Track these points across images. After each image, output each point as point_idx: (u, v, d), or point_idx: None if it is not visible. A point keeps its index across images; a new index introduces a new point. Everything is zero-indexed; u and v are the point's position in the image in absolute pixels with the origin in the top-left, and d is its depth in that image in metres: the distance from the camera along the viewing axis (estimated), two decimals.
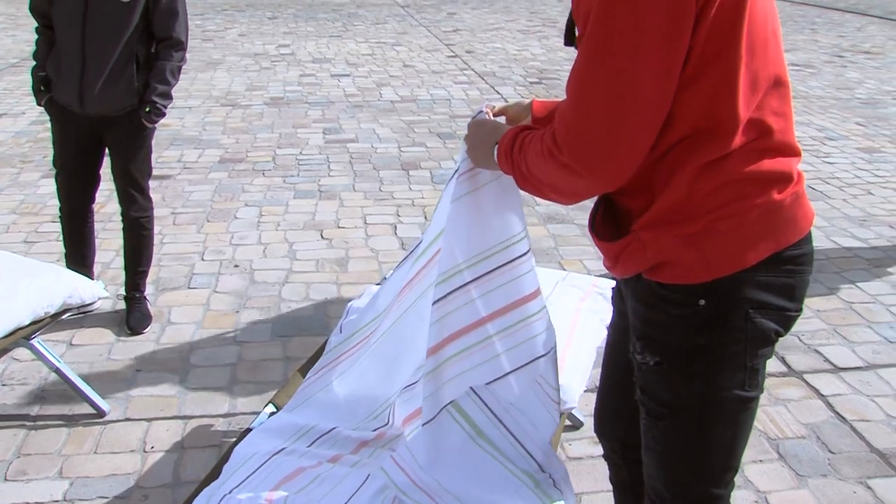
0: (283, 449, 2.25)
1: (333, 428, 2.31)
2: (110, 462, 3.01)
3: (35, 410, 3.30)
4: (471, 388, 2.05)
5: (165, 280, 4.39)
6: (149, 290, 4.11)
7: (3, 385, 3.45)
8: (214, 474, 2.22)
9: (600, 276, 3.49)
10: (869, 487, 2.96)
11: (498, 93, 8.92)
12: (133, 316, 3.92)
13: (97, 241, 4.11)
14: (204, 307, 4.13)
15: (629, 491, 2.14)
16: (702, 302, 1.62)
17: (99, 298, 3.31)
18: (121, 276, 4.08)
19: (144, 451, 3.07)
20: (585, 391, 2.68)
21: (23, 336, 2.98)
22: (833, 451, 3.14)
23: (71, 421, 3.24)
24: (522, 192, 1.82)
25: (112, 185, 3.90)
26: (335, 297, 4.25)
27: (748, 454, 2.93)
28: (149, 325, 3.92)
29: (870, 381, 3.62)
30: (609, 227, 1.72)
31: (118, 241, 4.04)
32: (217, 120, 7.62)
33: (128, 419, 3.27)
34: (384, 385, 2.31)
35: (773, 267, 1.62)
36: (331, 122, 7.60)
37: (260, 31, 12.82)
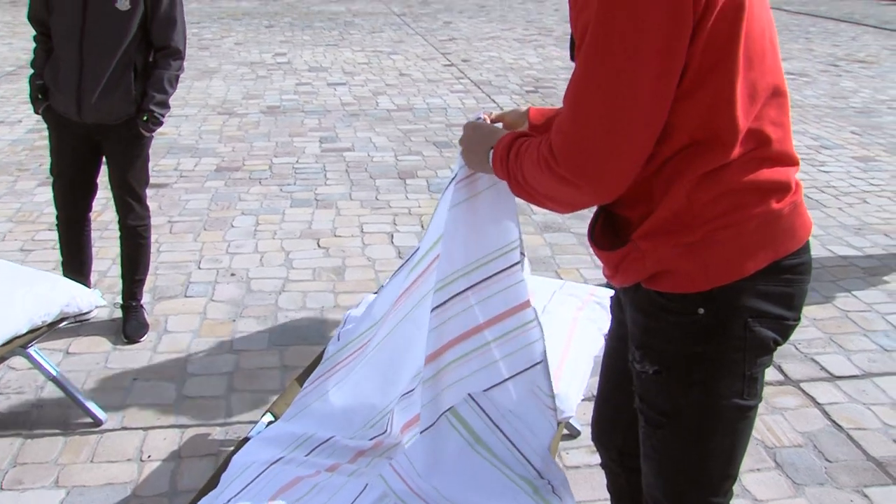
0: (281, 458, 2.25)
1: (331, 437, 2.31)
2: (107, 471, 3.00)
3: (31, 419, 3.29)
4: (469, 394, 2.05)
5: (162, 288, 4.39)
6: (145, 299, 4.11)
7: (0, 394, 3.45)
8: (212, 483, 2.22)
9: (597, 284, 3.49)
10: (866, 496, 2.96)
11: (494, 101, 8.93)
12: (130, 324, 3.92)
13: (94, 250, 4.10)
14: (201, 316, 4.12)
15: (627, 499, 2.14)
16: (701, 311, 1.62)
17: (96, 307, 3.30)
18: (118, 284, 4.08)
19: (141, 461, 3.07)
20: (583, 400, 2.68)
21: (19, 345, 2.98)
22: (830, 459, 3.15)
23: (67, 430, 3.23)
24: (519, 201, 1.83)
25: (109, 194, 3.90)
26: (332, 306, 4.25)
27: (745, 463, 2.93)
28: (145, 333, 3.92)
29: (866, 389, 3.62)
30: (608, 236, 1.73)
31: (115, 249, 4.04)
32: (213, 128, 7.62)
33: (124, 428, 3.26)
34: (381, 393, 2.31)
35: (772, 276, 1.63)
36: (327, 131, 7.61)
37: (256, 39, 12.83)
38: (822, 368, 3.78)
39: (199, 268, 4.66)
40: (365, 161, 6.72)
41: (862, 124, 8.42)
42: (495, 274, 1.99)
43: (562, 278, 4.42)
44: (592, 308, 2.76)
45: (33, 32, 3.69)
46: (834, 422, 3.38)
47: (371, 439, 2.29)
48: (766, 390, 3.41)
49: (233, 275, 4.58)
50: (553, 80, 10.16)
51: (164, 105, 3.67)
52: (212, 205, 5.64)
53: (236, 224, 5.31)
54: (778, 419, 3.37)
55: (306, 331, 4.00)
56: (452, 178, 2.03)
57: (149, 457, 3.08)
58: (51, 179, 3.86)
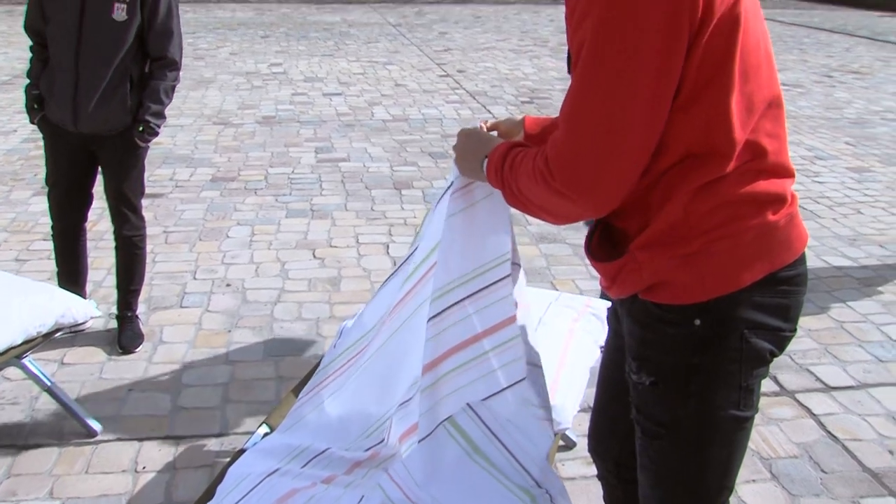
0: (277, 470, 2.24)
1: (327, 448, 2.30)
2: (101, 482, 2.99)
3: (26, 430, 3.28)
4: (467, 404, 2.05)
5: (157, 299, 4.38)
6: (141, 309, 4.10)
7: None
8: (208, 495, 2.21)
9: (593, 295, 3.49)
10: None
11: (489, 112, 8.95)
12: (125, 335, 3.91)
13: (89, 260, 4.10)
14: (196, 326, 4.12)
15: None
16: (697, 322, 1.62)
17: (91, 318, 3.29)
18: (113, 294, 4.07)
19: (136, 472, 3.06)
20: (579, 411, 2.68)
21: (14, 355, 2.96)
22: (825, 470, 3.15)
23: (62, 441, 3.22)
24: (514, 211, 1.83)
25: (104, 204, 3.90)
26: (327, 317, 4.24)
27: (741, 474, 2.92)
28: (141, 344, 3.91)
29: (861, 400, 3.63)
30: (605, 248, 1.73)
31: (110, 259, 4.04)
32: (209, 138, 7.62)
33: (119, 439, 3.25)
34: (377, 403, 2.31)
35: (768, 287, 1.63)
36: (323, 142, 7.62)
37: (252, 49, 12.85)
38: (818, 379, 3.78)
39: (195, 278, 4.65)
40: (360, 171, 6.72)
41: (856, 135, 8.45)
42: (493, 283, 1.99)
43: (557, 289, 4.42)
44: (588, 319, 2.76)
45: (30, 42, 3.69)
46: (829, 433, 3.38)
47: (367, 450, 2.28)
48: (762, 401, 3.41)
49: (228, 285, 4.57)
50: (548, 90, 10.19)
51: (160, 116, 3.67)
52: (207, 215, 5.64)
53: (232, 234, 5.31)
54: (774, 430, 3.38)
55: (302, 341, 4.00)
56: (448, 188, 2.03)
57: (143, 468, 3.07)
58: (46, 189, 3.86)
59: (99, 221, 5.15)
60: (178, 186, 6.24)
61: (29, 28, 3.64)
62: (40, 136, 3.78)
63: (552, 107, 9.13)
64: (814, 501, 2.97)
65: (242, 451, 2.39)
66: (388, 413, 2.26)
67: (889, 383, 3.77)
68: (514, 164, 1.68)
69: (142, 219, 3.91)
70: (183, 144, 7.39)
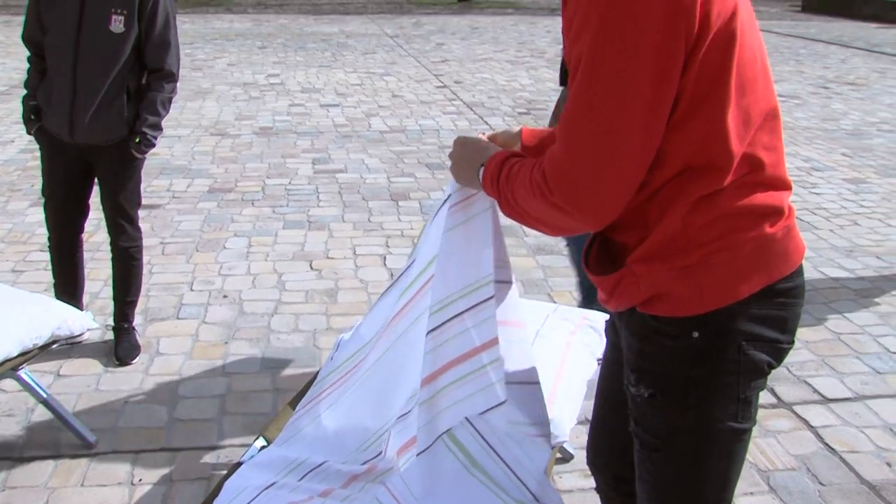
0: (273, 483, 2.23)
1: (324, 462, 2.29)
2: (97, 495, 2.98)
3: (21, 442, 3.26)
4: (466, 417, 2.04)
5: (154, 310, 4.38)
6: (137, 321, 4.09)
7: None
8: None
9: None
10: None
11: (486, 123, 8.96)
12: (121, 346, 3.90)
13: (86, 271, 4.09)
14: (193, 338, 4.11)
15: None
16: (695, 334, 1.63)
17: (88, 329, 3.28)
18: (109, 306, 4.06)
19: (132, 484, 3.04)
20: (577, 424, 2.67)
21: (10, 367, 2.95)
22: (823, 482, 3.14)
23: (58, 453, 3.20)
24: (512, 222, 1.83)
25: (101, 215, 3.89)
26: (324, 329, 4.23)
27: (739, 486, 2.91)
28: (137, 355, 3.90)
29: (859, 412, 3.62)
30: (603, 261, 1.73)
31: (107, 270, 4.03)
32: (206, 149, 7.62)
33: (115, 451, 3.24)
34: (375, 416, 2.30)
35: (766, 300, 1.64)
36: (320, 153, 7.62)
37: (249, 60, 12.86)
38: (815, 391, 3.78)
39: (192, 289, 4.65)
40: (357, 183, 6.72)
41: (852, 146, 8.47)
42: (491, 297, 1.99)
43: (554, 301, 4.43)
44: (586, 332, 2.76)
45: (27, 53, 3.69)
46: (827, 445, 3.38)
47: (364, 463, 2.28)
48: (759, 413, 3.41)
49: (225, 297, 4.56)
50: (545, 101, 10.20)
51: (157, 127, 3.67)
52: (204, 226, 5.64)
53: (229, 246, 5.30)
54: (771, 442, 3.37)
55: (298, 353, 3.99)
56: (445, 200, 2.03)
57: (140, 480, 3.06)
58: (42, 200, 3.85)
59: (96, 232, 5.14)
60: (175, 197, 6.23)
61: (27, 39, 3.65)
62: (37, 146, 3.78)
63: (549, 118, 9.13)
64: None
65: (239, 464, 2.39)
66: (385, 426, 2.25)
67: (887, 395, 3.76)
68: (510, 175, 1.68)
69: (138, 230, 3.91)
70: (180, 155, 7.39)
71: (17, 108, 3.75)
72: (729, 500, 1.81)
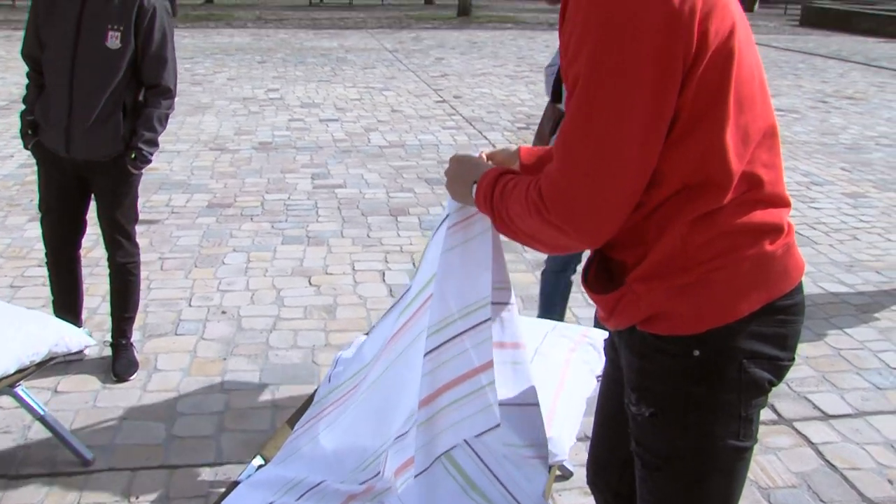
0: (271, 503, 2.22)
1: (322, 481, 2.28)
2: None
3: (18, 459, 3.25)
4: (464, 440, 2.03)
5: (152, 326, 4.36)
6: (135, 337, 4.08)
7: None
8: None
9: (590, 323, 3.48)
10: None
11: (486, 138, 8.97)
12: (119, 363, 3.88)
13: (84, 286, 4.07)
14: (191, 354, 4.10)
15: None
16: (696, 352, 1.62)
17: (85, 346, 3.27)
18: (107, 321, 4.05)
19: (129, 502, 3.02)
20: (576, 441, 2.66)
21: (7, 384, 2.94)
22: (824, 500, 3.12)
23: (54, 470, 3.19)
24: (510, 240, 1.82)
25: (99, 230, 3.88)
26: (323, 345, 4.22)
27: None
28: (135, 372, 3.89)
29: (859, 428, 3.61)
30: (602, 280, 1.73)
31: (105, 286, 4.02)
32: (205, 164, 7.62)
33: (112, 468, 3.22)
34: (373, 436, 2.29)
35: (766, 317, 1.63)
36: (319, 168, 7.62)
37: (249, 75, 12.88)
38: (816, 407, 3.76)
39: (190, 305, 4.63)
40: (357, 198, 6.72)
41: (851, 161, 8.48)
42: (487, 320, 1.98)
43: (566, 310, 4.40)
44: (585, 349, 2.75)
45: (27, 69, 3.69)
46: (828, 462, 3.36)
47: (362, 483, 2.26)
48: (760, 430, 3.39)
49: (223, 312, 4.55)
50: None
51: (153, 143, 3.66)
52: (203, 241, 5.63)
53: (227, 261, 5.30)
54: (772, 459, 3.36)
55: (297, 370, 3.97)
56: (444, 218, 2.02)
57: (137, 498, 3.04)
58: (40, 215, 3.85)
59: (94, 248, 5.13)
60: (174, 213, 6.23)
61: (26, 55, 3.65)
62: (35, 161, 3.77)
63: None
64: None
65: (236, 483, 2.37)
66: (383, 446, 2.24)
67: (887, 411, 3.75)
68: (504, 192, 1.68)
69: (136, 246, 3.90)
70: (179, 170, 7.39)
71: (16, 122, 3.75)
72: None
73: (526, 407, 2.04)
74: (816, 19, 26.41)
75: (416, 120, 9.82)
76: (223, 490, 2.44)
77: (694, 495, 1.74)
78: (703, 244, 1.58)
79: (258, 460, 2.49)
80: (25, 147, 3.70)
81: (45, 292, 4.14)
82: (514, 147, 2.11)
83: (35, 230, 5.47)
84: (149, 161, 3.67)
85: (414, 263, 5.30)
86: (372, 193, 6.86)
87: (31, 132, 3.65)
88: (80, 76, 3.48)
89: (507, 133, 9.23)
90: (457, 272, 1.99)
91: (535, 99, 11.41)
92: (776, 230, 1.63)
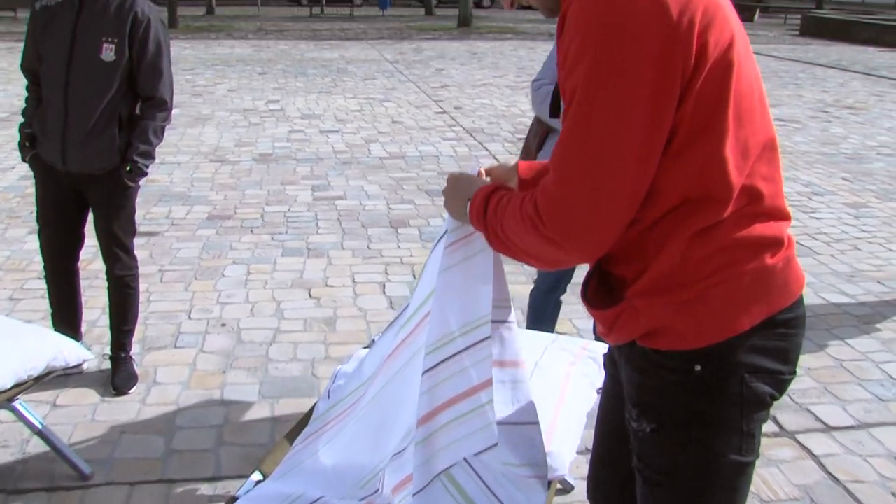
0: None
1: (320, 497, 2.26)
2: None
3: (16, 473, 3.23)
4: (464, 458, 2.02)
5: (152, 339, 4.35)
6: (135, 350, 4.06)
7: None
8: None
9: (591, 334, 3.46)
10: None
11: (486, 149, 8.96)
12: (118, 376, 3.87)
13: (84, 299, 4.06)
14: (190, 367, 4.08)
15: None
16: (697, 367, 1.61)
17: (84, 361, 3.26)
18: (107, 334, 4.03)
19: None
20: (577, 454, 2.64)
21: (4, 399, 2.93)
22: None
23: (52, 485, 3.17)
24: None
25: (97, 242, 3.88)
26: (323, 357, 4.21)
27: None
28: (134, 385, 3.87)
29: (862, 440, 3.59)
30: (601, 295, 1.71)
31: (104, 298, 4.00)
32: (206, 176, 7.62)
33: (110, 483, 3.20)
34: (372, 453, 2.28)
35: (767, 331, 1.62)
36: (319, 179, 7.61)
37: (250, 86, 12.89)
38: (818, 419, 3.74)
39: (190, 318, 4.62)
40: (357, 209, 6.71)
41: (852, 170, 8.47)
42: (487, 338, 1.97)
43: (555, 329, 4.39)
44: (585, 363, 2.73)
45: (26, 81, 3.69)
46: (830, 474, 3.34)
47: (361, 500, 2.24)
48: (762, 442, 3.38)
49: (223, 325, 4.54)
50: None
51: (149, 156, 3.65)
52: (203, 254, 5.62)
53: (227, 273, 5.28)
54: (774, 472, 3.34)
55: (297, 383, 3.96)
56: (443, 234, 2.01)
57: None
58: (38, 228, 3.84)
59: (94, 260, 5.11)
60: (174, 225, 6.22)
61: (25, 68, 3.66)
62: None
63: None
64: None
65: (235, 498, 2.36)
66: (381, 463, 2.23)
67: (890, 423, 3.73)
68: (498, 208, 1.68)
69: (134, 258, 3.89)
70: (180, 182, 7.39)
71: (16, 134, 3.75)
72: None
73: (525, 426, 2.03)
74: (816, 29, 26.46)
75: (416, 131, 9.82)
76: None
77: None
78: (703, 259, 1.57)
79: (257, 475, 2.48)
80: (23, 159, 3.70)
81: (45, 305, 4.13)
82: (512, 162, 2.10)
83: (35, 242, 5.44)
84: (145, 174, 3.67)
85: (414, 275, 5.29)
86: (372, 205, 6.85)
87: (29, 144, 3.65)
88: (75, 88, 3.47)
89: (507, 144, 9.22)
90: (457, 290, 1.98)
91: None
92: (776, 243, 1.63)
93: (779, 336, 1.64)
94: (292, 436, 2.60)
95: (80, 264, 3.96)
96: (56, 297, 3.94)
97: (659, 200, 1.55)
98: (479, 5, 34.85)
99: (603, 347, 2.54)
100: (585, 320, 4.62)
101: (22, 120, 3.71)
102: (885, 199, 7.47)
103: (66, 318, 3.94)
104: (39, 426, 3.15)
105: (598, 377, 2.66)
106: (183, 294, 4.94)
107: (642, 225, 1.58)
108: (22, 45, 3.69)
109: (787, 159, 8.74)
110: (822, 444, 3.55)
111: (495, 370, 1.99)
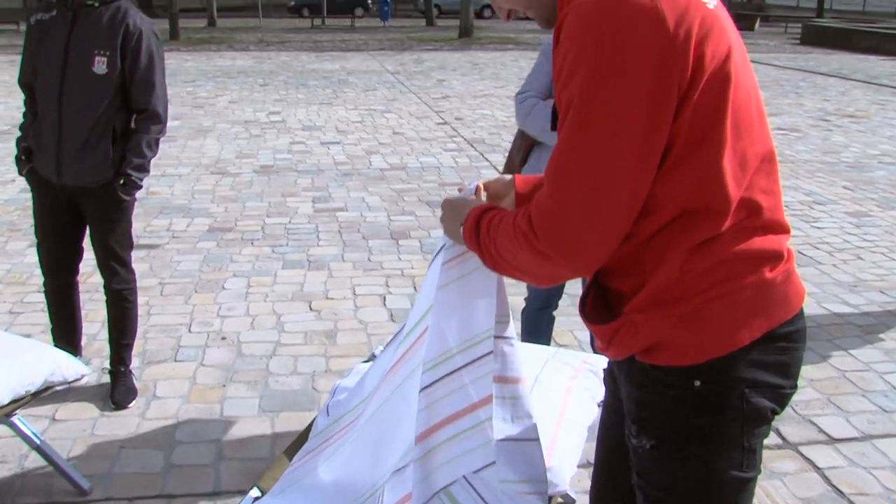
0: None
1: None
2: None
3: (14, 489, 3.21)
4: (463, 476, 2.00)
5: (152, 353, 4.33)
6: (135, 363, 4.04)
7: None
8: None
9: (591, 349, 3.43)
10: None
11: (487, 160, 8.96)
12: (118, 390, 3.85)
13: (83, 313, 4.05)
14: (190, 381, 4.06)
15: None
16: (697, 383, 1.60)
17: (82, 376, 3.24)
18: (107, 348, 4.01)
19: None
20: (578, 467, 2.62)
21: (2, 413, 2.92)
22: None
23: (51, 500, 3.15)
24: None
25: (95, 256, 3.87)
26: (323, 371, 4.19)
27: None
28: (134, 399, 3.85)
29: (866, 452, 3.56)
30: (599, 310, 1.70)
31: (104, 312, 3.99)
32: (206, 188, 7.62)
33: (109, 498, 3.18)
34: (371, 470, 2.26)
35: (767, 345, 1.61)
36: (320, 191, 7.61)
37: (251, 98, 12.92)
38: (821, 431, 3.72)
39: (190, 331, 4.61)
40: (357, 221, 6.71)
41: (854, 179, 8.46)
42: (488, 353, 1.95)
43: (555, 340, 4.38)
44: (586, 376, 2.71)
45: (24, 96, 3.69)
46: (834, 487, 3.31)
47: None
48: (765, 454, 3.34)
49: (223, 338, 4.52)
50: None
51: (143, 169, 3.64)
52: (203, 266, 5.61)
53: (228, 286, 5.27)
54: (777, 484, 3.31)
55: (297, 396, 3.94)
56: (440, 250, 2.00)
57: None
58: (37, 242, 3.83)
59: (93, 274, 5.09)
60: (175, 237, 6.21)
61: (23, 83, 3.66)
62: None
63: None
64: None
65: None
66: (380, 480, 2.21)
67: (894, 434, 3.70)
68: (490, 227, 1.66)
69: (131, 272, 3.87)
70: (180, 194, 7.39)
71: (15, 148, 3.74)
72: None
73: (525, 442, 2.01)
74: (817, 38, 26.49)
75: (417, 142, 9.82)
76: None
77: None
78: (702, 273, 1.55)
79: (255, 492, 2.46)
80: (20, 173, 3.70)
81: (45, 318, 4.12)
82: (508, 176, 2.08)
83: (35, 256, 5.46)
84: (139, 187, 3.65)
85: (415, 287, 5.28)
86: (373, 217, 6.84)
87: (25, 158, 3.65)
88: (69, 102, 3.47)
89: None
90: (454, 307, 1.96)
91: None
92: (776, 257, 1.61)
93: (779, 350, 1.62)
94: (291, 451, 2.58)
95: (80, 277, 3.95)
96: (55, 312, 3.93)
97: (656, 213, 1.54)
98: (480, 16, 34.94)
99: (604, 361, 2.52)
100: (586, 332, 4.59)
101: (19, 134, 3.70)
102: (886, 207, 7.45)
103: (65, 332, 3.92)
104: (38, 441, 3.14)
105: (600, 391, 2.64)
106: (183, 307, 4.92)
107: (639, 239, 1.56)
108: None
109: (788, 168, 8.73)
110: (826, 456, 3.53)
111: (496, 386, 1.97)
